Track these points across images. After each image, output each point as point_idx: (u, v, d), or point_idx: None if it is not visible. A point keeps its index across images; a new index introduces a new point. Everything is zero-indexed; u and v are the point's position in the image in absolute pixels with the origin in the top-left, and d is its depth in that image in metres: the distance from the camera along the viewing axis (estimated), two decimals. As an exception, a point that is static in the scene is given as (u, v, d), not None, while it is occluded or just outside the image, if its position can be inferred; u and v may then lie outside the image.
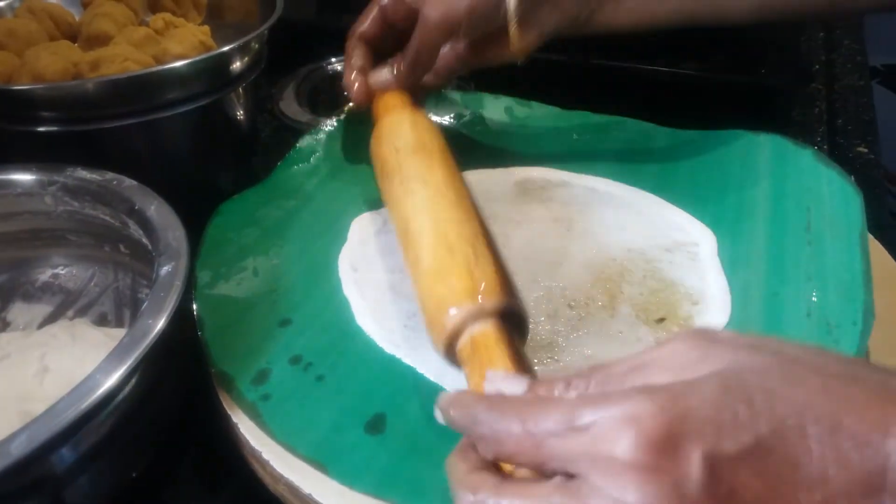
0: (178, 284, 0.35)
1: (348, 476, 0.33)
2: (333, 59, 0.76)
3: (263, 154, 0.64)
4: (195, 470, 0.40)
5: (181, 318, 0.37)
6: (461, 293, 0.32)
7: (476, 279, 0.33)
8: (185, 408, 0.40)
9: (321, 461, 0.33)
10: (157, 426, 0.37)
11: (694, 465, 0.20)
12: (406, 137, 0.44)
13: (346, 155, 0.55)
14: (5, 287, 0.46)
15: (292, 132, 0.67)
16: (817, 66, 0.76)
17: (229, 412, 0.36)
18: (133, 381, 0.34)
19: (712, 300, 0.42)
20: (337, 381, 0.37)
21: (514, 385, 0.26)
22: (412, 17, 0.47)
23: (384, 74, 0.49)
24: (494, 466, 0.25)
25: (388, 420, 0.35)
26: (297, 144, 0.54)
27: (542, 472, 0.23)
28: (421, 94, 0.51)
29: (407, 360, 0.39)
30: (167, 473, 0.39)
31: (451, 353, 0.33)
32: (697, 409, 0.21)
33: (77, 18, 0.57)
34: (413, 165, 0.41)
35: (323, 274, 0.44)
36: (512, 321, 0.32)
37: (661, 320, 0.41)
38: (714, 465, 0.20)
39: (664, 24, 0.48)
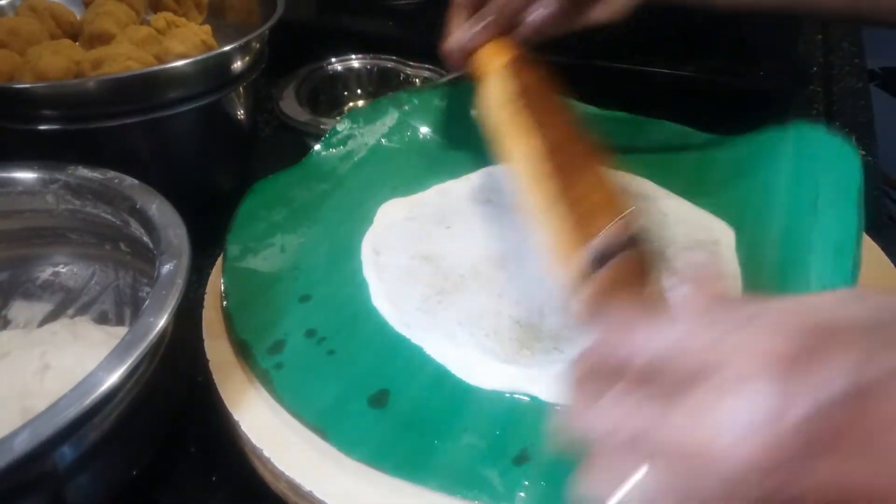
0: (180, 283, 0.35)
1: (346, 444, 0.34)
2: (334, 59, 0.76)
3: (263, 153, 0.64)
4: (196, 468, 0.40)
5: (182, 316, 0.37)
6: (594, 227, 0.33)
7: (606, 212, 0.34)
8: (186, 406, 0.40)
9: (322, 428, 0.35)
10: (158, 424, 0.37)
11: (838, 373, 0.19)
12: (509, 90, 0.44)
13: (381, 141, 0.55)
14: (6, 285, 0.46)
15: (292, 132, 0.67)
16: (815, 69, 0.76)
17: (230, 410, 0.37)
18: (134, 379, 0.34)
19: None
20: (347, 355, 0.39)
21: None
22: None
23: (468, 30, 0.49)
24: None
25: (392, 395, 0.37)
26: (334, 128, 0.55)
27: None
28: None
29: (415, 341, 0.40)
30: (168, 471, 0.39)
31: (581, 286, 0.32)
32: (847, 322, 0.20)
33: (79, 17, 0.57)
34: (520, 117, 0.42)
35: (346, 255, 0.46)
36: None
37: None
38: (859, 382, 0.19)
39: (758, 9, 0.48)
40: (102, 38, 0.53)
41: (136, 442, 0.36)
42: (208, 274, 0.45)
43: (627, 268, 0.32)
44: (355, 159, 0.54)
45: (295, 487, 0.34)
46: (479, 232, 0.48)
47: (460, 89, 0.59)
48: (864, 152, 0.62)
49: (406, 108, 0.57)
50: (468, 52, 0.49)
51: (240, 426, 0.36)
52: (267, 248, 0.46)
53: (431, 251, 0.46)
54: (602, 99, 0.58)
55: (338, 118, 0.73)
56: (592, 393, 0.23)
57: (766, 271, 0.43)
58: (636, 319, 0.24)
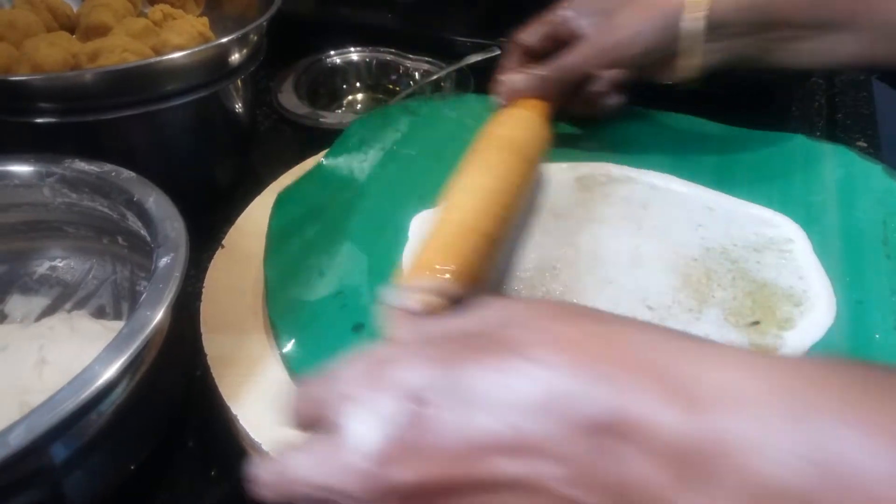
0: (177, 276, 0.35)
1: None
2: (333, 52, 0.76)
3: (262, 146, 0.64)
4: (194, 462, 0.40)
5: (180, 310, 0.37)
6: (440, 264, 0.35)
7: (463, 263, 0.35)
8: (184, 400, 0.40)
9: None
10: (155, 418, 0.37)
11: (393, 392, 0.23)
12: (513, 130, 0.45)
13: (396, 147, 0.54)
14: (3, 279, 0.46)
15: (291, 125, 0.67)
16: (817, 61, 0.75)
17: (229, 404, 0.36)
18: (131, 373, 0.34)
19: (817, 300, 0.41)
20: None
21: None
22: (573, 38, 0.48)
23: (528, 78, 0.49)
24: None
25: None
26: (346, 132, 0.54)
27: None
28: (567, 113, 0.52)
29: None
30: (166, 466, 0.39)
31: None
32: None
33: (75, 9, 0.56)
34: (493, 156, 0.43)
35: (390, 275, 0.44)
36: None
37: (755, 324, 0.39)
38: (408, 395, 0.23)
39: (844, 66, 0.49)
40: (99, 30, 0.53)
41: (134, 436, 0.35)
42: (206, 267, 0.45)
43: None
44: (372, 166, 0.52)
45: (294, 482, 0.33)
46: (520, 241, 0.46)
47: (467, 101, 0.59)
48: (865, 145, 0.62)
49: (416, 115, 0.56)
50: (518, 96, 0.50)
51: (238, 420, 0.36)
52: (306, 271, 0.43)
53: None
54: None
55: (337, 111, 0.73)
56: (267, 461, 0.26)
57: (838, 293, 0.42)
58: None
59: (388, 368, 0.24)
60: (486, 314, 0.26)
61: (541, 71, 0.49)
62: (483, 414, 0.22)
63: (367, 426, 0.23)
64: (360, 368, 0.25)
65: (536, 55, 0.52)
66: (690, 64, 0.48)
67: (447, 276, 0.34)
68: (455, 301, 0.33)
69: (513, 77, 0.50)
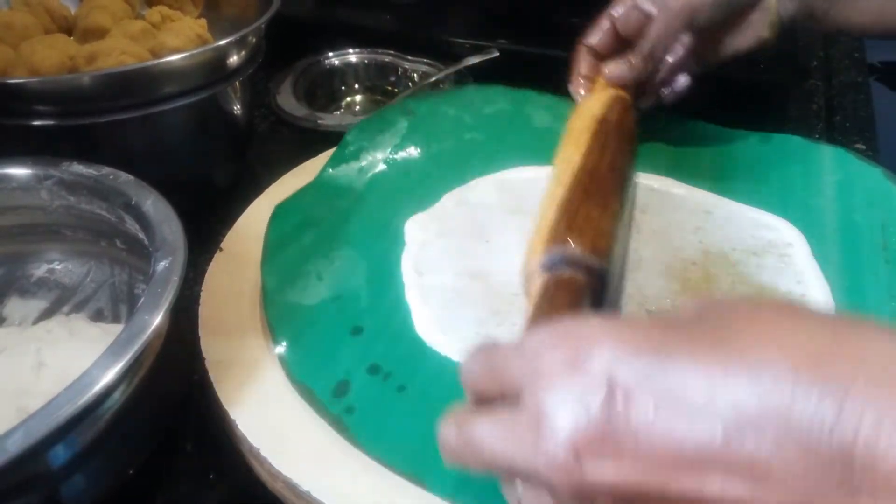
0: (175, 279, 0.35)
1: (449, 490, 0.32)
2: (331, 54, 0.75)
3: (260, 148, 0.63)
4: (193, 466, 0.39)
5: (178, 313, 0.36)
6: (567, 239, 0.34)
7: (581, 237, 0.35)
8: (183, 404, 0.40)
9: (419, 476, 0.33)
10: (154, 422, 0.37)
11: (597, 379, 0.21)
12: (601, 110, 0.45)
13: (394, 153, 0.54)
14: (0, 282, 0.45)
15: (289, 127, 0.67)
16: (815, 62, 0.75)
17: (227, 408, 0.36)
18: (130, 377, 0.33)
19: (815, 305, 0.41)
20: (418, 390, 0.37)
21: None
22: (645, 26, 0.48)
23: (619, 68, 0.49)
24: None
25: None
26: (344, 141, 0.54)
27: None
28: (640, 104, 0.51)
29: None
30: (164, 470, 0.39)
31: (529, 280, 0.35)
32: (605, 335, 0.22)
33: (73, 11, 0.56)
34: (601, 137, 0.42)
35: (386, 278, 0.44)
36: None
37: None
38: (613, 385, 0.21)
39: (892, 30, 0.49)
40: (97, 33, 0.53)
41: (132, 441, 0.35)
42: (205, 270, 0.45)
43: (564, 287, 0.32)
44: (371, 173, 0.52)
45: (292, 487, 0.33)
46: (518, 244, 0.45)
47: (466, 94, 0.59)
48: (864, 147, 0.62)
49: (414, 115, 0.56)
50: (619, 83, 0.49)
51: (237, 425, 0.36)
52: (303, 276, 0.44)
53: (476, 268, 0.45)
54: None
55: (336, 113, 0.73)
56: (452, 417, 0.25)
57: (836, 298, 0.42)
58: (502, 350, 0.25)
59: (591, 349, 0.22)
60: (692, 306, 0.23)
61: (632, 57, 0.49)
62: (698, 418, 0.20)
63: (566, 411, 0.21)
64: (557, 344, 0.23)
65: (602, 56, 0.51)
66: (763, 19, 0.48)
67: (580, 250, 0.34)
68: (595, 276, 0.33)
69: (615, 67, 0.49)
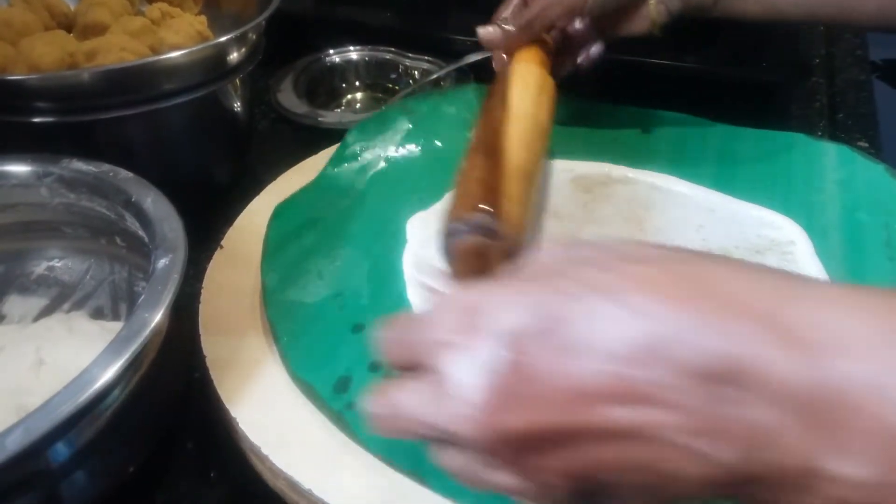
0: (175, 277, 0.35)
1: (451, 490, 0.32)
2: (332, 51, 0.75)
3: (261, 146, 0.63)
4: (193, 464, 0.39)
5: (178, 311, 0.36)
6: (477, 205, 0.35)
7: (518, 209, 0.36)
8: (183, 402, 0.40)
9: (423, 476, 0.33)
10: (154, 421, 0.37)
11: (489, 339, 0.23)
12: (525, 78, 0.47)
13: (395, 152, 0.54)
14: (0, 279, 0.45)
15: (290, 124, 0.67)
16: (817, 60, 0.75)
17: (228, 406, 0.36)
18: (130, 374, 0.33)
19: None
20: None
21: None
22: None
23: (490, 32, 0.51)
24: None
25: None
26: (345, 141, 0.53)
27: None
28: (559, 71, 0.53)
29: None
30: (165, 468, 0.39)
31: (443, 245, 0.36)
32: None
33: (72, 8, 0.56)
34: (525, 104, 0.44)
35: (388, 276, 0.44)
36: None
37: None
38: (503, 341, 0.22)
39: (788, 18, 0.50)
40: (96, 29, 0.53)
41: (133, 439, 0.35)
42: (205, 268, 0.45)
43: (465, 253, 0.34)
44: (372, 172, 0.52)
45: (293, 485, 0.33)
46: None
47: (466, 93, 0.58)
48: (867, 145, 0.62)
49: (415, 114, 0.56)
50: (504, 49, 0.51)
51: (237, 423, 0.36)
52: (304, 275, 0.44)
53: None
54: (602, 90, 0.57)
55: (336, 110, 0.73)
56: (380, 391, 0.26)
57: (850, 280, 0.42)
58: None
59: (480, 313, 0.23)
60: (556, 255, 0.25)
61: (506, 25, 0.50)
62: (586, 360, 0.21)
63: (467, 374, 0.23)
64: (451, 313, 0.24)
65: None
66: (651, 10, 0.50)
67: (490, 215, 0.35)
68: (500, 241, 0.34)
69: (485, 31, 0.51)
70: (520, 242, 0.36)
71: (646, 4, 0.50)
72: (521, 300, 0.23)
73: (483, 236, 0.34)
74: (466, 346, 0.23)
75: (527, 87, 0.46)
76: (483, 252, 0.34)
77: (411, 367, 0.26)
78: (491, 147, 0.40)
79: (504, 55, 0.51)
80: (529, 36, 0.50)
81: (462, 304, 0.24)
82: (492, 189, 0.37)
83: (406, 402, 0.25)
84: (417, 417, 0.24)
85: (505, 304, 0.23)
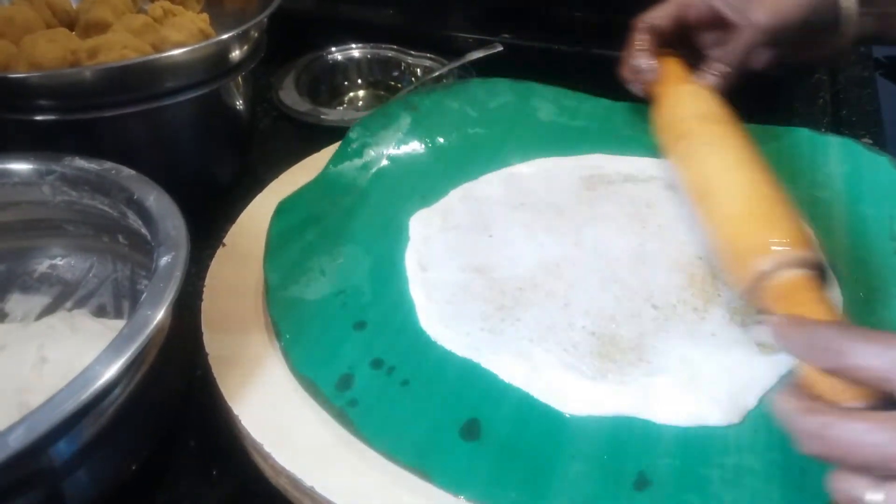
0: (178, 275, 0.35)
1: (453, 483, 0.32)
2: (334, 49, 0.75)
3: (263, 143, 0.63)
4: (195, 462, 0.39)
5: (181, 309, 0.36)
6: (786, 238, 0.36)
7: (797, 232, 0.37)
8: (185, 400, 0.40)
9: (424, 469, 0.33)
10: (156, 418, 0.37)
11: None
12: (700, 107, 0.47)
13: (397, 148, 0.54)
14: (3, 278, 0.45)
15: (292, 122, 0.67)
16: (821, 57, 0.75)
17: (230, 404, 0.36)
18: (132, 372, 0.33)
19: None
20: (422, 385, 0.37)
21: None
22: (713, 20, 0.49)
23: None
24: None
25: (482, 426, 0.35)
26: (348, 137, 0.53)
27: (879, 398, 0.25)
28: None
29: (485, 365, 0.38)
30: (167, 466, 0.39)
31: (754, 288, 0.35)
32: None
33: (74, 6, 0.56)
34: (711, 132, 0.45)
35: (390, 274, 0.44)
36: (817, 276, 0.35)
37: (761, 323, 0.39)
38: None
39: None
40: (98, 27, 0.53)
41: (135, 436, 0.35)
42: (207, 266, 0.45)
43: (802, 286, 0.34)
44: (375, 169, 0.52)
45: (296, 483, 0.33)
46: (523, 239, 0.46)
47: (470, 88, 0.58)
48: (870, 142, 0.62)
49: (418, 110, 0.56)
50: (649, 80, 0.51)
51: (240, 421, 0.36)
52: (306, 272, 0.43)
53: (480, 263, 0.44)
54: (605, 86, 0.57)
55: (338, 108, 0.73)
56: (815, 412, 0.25)
57: (845, 290, 0.41)
58: (848, 335, 0.25)
59: None
60: None
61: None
62: None
63: None
64: None
65: (665, 37, 0.52)
66: (845, 35, 0.49)
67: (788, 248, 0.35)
68: (816, 268, 0.34)
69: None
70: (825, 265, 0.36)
71: (836, 32, 0.49)
72: None
73: (805, 268, 0.35)
74: None
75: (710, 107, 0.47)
76: (812, 285, 0.34)
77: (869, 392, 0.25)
78: (764, 183, 0.41)
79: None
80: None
81: None
82: (791, 221, 0.37)
83: (856, 428, 0.24)
84: (872, 447, 0.23)
85: None
